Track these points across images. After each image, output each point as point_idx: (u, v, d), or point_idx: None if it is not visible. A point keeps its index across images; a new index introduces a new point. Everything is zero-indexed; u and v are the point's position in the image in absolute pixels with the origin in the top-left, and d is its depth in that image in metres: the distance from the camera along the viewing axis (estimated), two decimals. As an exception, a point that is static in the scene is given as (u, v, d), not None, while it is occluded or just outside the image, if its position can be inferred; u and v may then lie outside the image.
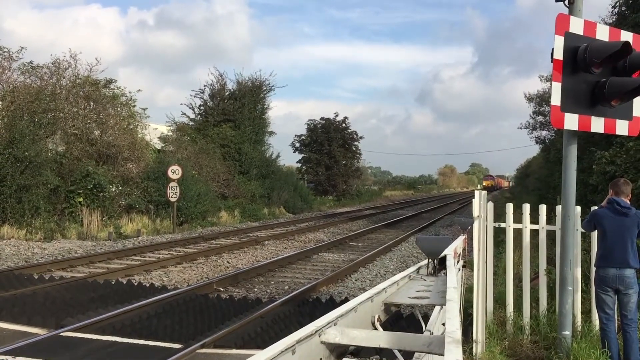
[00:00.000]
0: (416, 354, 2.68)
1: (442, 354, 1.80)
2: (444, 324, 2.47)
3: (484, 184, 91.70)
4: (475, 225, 6.50)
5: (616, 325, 5.91)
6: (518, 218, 7.09)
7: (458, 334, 1.90)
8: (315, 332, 1.99)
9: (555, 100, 5.58)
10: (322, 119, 48.02)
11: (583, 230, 6.59)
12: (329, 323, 2.09)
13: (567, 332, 6.00)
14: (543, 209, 6.97)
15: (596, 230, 6.10)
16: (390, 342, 2.12)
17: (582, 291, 6.89)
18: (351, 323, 2.31)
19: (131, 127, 24.08)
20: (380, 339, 2.13)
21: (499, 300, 7.22)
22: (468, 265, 6.75)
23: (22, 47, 20.65)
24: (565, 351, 5.90)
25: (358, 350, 2.24)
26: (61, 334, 6.98)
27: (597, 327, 6.27)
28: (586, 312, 6.82)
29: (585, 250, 7.29)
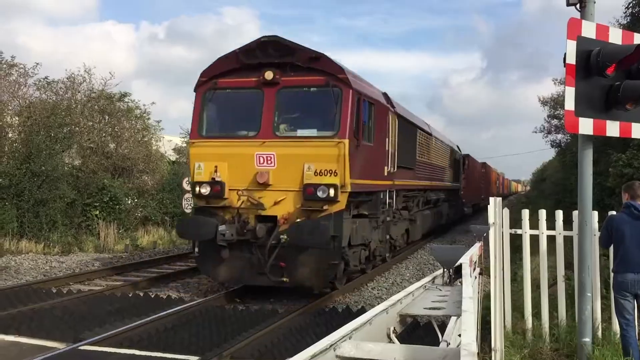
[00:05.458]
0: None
1: (458, 368, 1.78)
2: (460, 335, 2.44)
3: None
4: (491, 232, 6.44)
5: (637, 331, 5.81)
6: (535, 224, 7.02)
7: (474, 347, 1.88)
8: (330, 346, 1.98)
9: (569, 105, 5.54)
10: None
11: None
12: (343, 337, 2.08)
13: (587, 339, 5.91)
14: (559, 214, 6.90)
15: (614, 237, 5.94)
16: (406, 356, 2.10)
17: (602, 297, 6.79)
18: (366, 336, 2.29)
19: (146, 139, 24.24)
20: (395, 352, 2.11)
21: (518, 307, 7.14)
22: (485, 272, 6.69)
23: (37, 63, 20.90)
24: (587, 358, 5.81)
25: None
26: (79, 347, 7.01)
27: (619, 334, 6.17)
28: (607, 319, 6.72)
29: (605, 255, 7.19)
